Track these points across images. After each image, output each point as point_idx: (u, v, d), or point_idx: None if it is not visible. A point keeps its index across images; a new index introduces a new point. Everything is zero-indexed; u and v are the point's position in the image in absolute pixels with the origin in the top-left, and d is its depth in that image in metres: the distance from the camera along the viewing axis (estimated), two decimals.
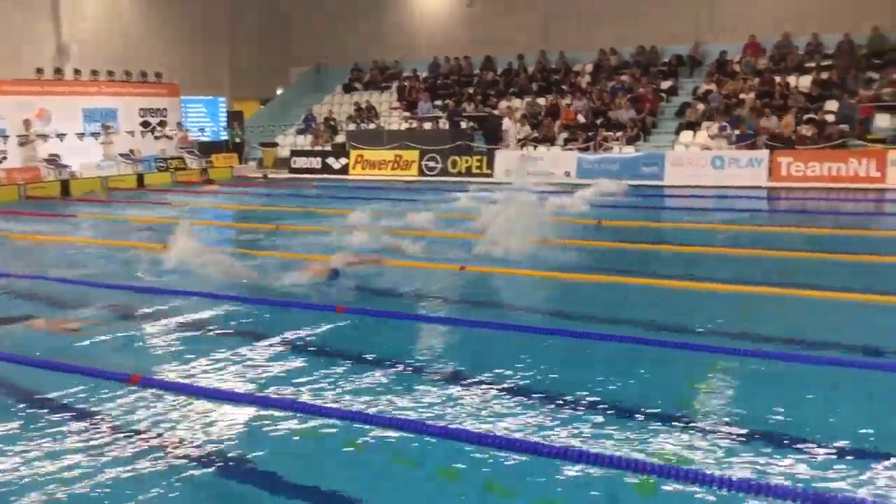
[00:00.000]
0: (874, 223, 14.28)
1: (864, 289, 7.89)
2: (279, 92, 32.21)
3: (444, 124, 24.86)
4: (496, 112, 24.90)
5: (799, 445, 4.43)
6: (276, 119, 29.64)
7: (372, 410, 5.03)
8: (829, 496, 3.80)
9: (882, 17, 22.59)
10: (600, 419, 4.83)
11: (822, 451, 4.36)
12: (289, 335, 6.78)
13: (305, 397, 5.32)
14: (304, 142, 26.98)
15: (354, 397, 5.30)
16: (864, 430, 4.65)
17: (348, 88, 29.87)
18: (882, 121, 19.66)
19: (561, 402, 5.11)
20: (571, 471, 4.16)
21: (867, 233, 12.55)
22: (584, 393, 5.24)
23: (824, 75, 21.71)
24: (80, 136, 22.64)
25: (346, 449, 4.56)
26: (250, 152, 28.28)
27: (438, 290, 8.45)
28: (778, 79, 22.10)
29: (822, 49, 22.88)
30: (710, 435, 4.60)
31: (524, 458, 4.31)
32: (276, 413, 5.04)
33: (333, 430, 4.77)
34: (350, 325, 7.16)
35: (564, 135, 22.97)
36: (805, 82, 21.99)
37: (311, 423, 4.86)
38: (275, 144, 27.66)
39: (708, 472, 4.07)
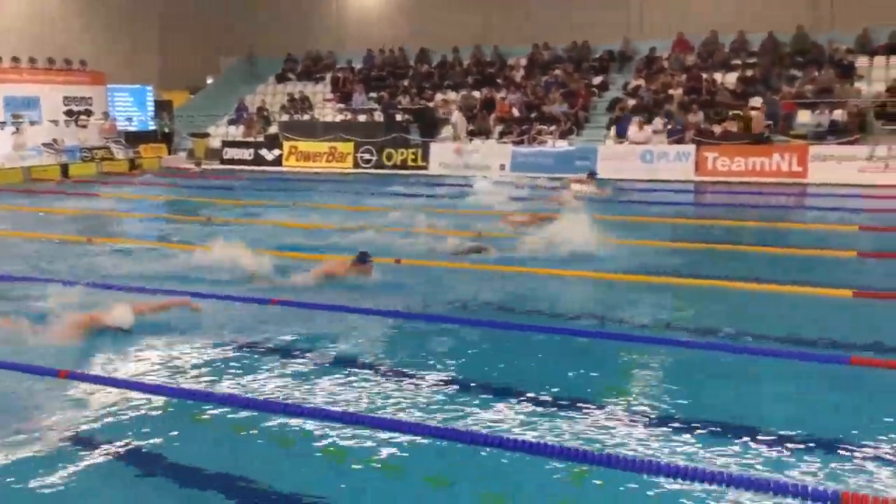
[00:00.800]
0: (798, 216, 14.75)
1: (787, 280, 8.22)
2: (209, 81, 31.54)
3: (379, 116, 24.76)
4: (432, 105, 24.93)
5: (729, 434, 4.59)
6: (206, 109, 29.03)
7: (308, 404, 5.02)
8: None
9: (805, 16, 23.42)
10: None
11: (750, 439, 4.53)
12: (222, 328, 6.71)
13: (232, 389, 5.27)
14: (237, 132, 26.53)
15: (284, 388, 5.28)
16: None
17: (281, 79, 29.45)
18: (804, 117, 20.39)
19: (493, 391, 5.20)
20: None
21: (791, 226, 12.98)
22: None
23: (749, 73, 22.38)
24: (1, 125, 21.78)
25: (273, 440, 4.54)
26: (180, 143, 27.64)
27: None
28: (705, 75, 22.69)
29: (748, 47, 23.58)
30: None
31: (463, 448, 4.37)
32: (207, 406, 4.98)
33: (267, 424, 4.73)
34: (284, 316, 7.11)
35: (499, 128, 23.14)
36: (731, 79, 22.62)
37: (241, 415, 4.83)
38: (206, 135, 27.11)
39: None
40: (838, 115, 19.91)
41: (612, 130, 21.80)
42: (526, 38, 26.24)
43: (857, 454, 4.30)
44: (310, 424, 4.69)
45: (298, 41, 29.83)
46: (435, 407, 4.95)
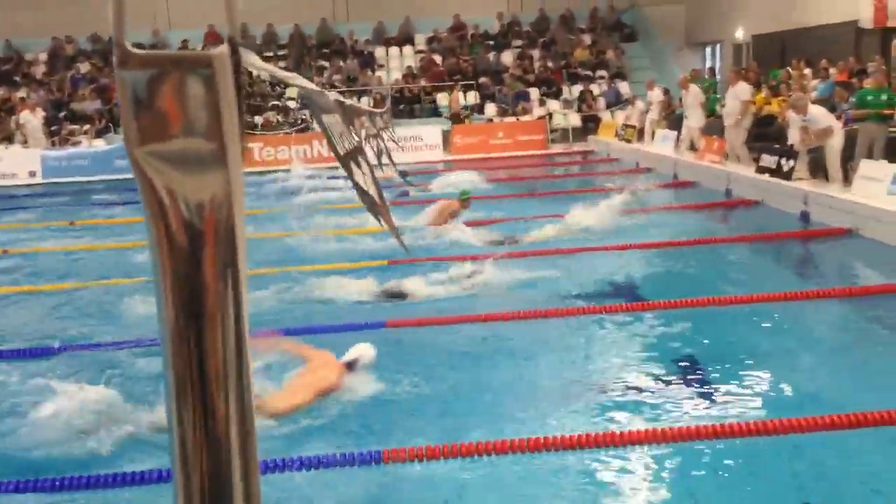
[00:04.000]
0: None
1: None
2: None
3: None
4: None
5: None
6: None
7: None
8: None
9: (326, 9, 25.01)
10: None
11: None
12: None
13: None
14: None
15: None
16: None
17: None
18: None
19: None
20: None
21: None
22: None
23: (281, 64, 23.28)
24: None
25: None
26: None
27: None
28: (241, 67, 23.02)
29: (277, 39, 24.48)
30: None
31: None
32: None
33: None
34: None
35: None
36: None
37: None
38: None
39: None
40: (365, 102, 21.74)
41: None
42: (44, 31, 23.85)
43: (395, 410, 4.82)
44: None
45: None
46: None
